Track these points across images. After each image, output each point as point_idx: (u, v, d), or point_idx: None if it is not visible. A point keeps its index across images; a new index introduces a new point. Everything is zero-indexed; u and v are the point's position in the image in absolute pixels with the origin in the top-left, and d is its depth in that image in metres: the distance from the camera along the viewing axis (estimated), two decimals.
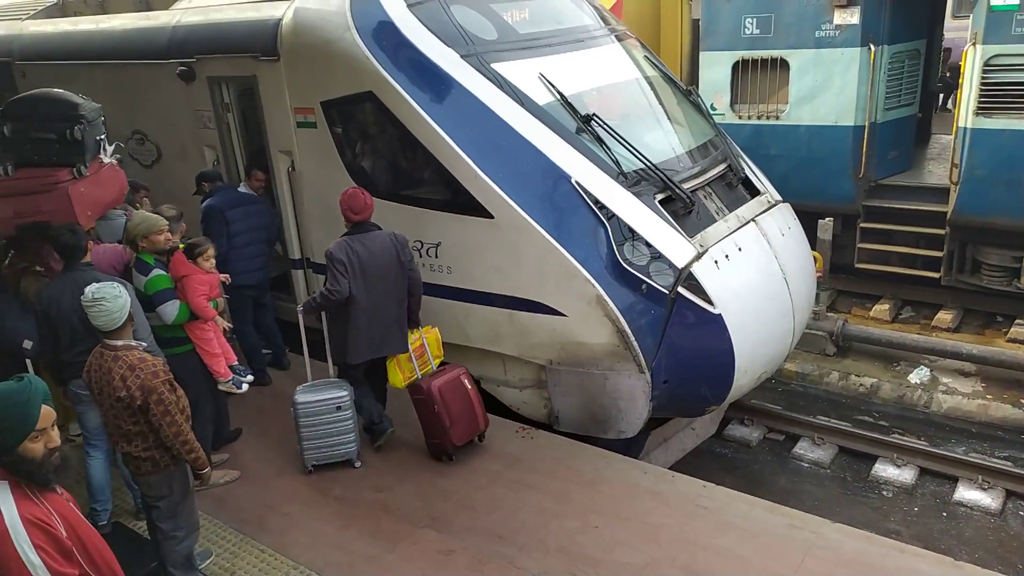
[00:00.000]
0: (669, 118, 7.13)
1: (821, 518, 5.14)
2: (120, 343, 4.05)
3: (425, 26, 6.14)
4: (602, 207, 5.70)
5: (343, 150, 6.54)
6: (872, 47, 8.72)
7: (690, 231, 5.87)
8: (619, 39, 7.36)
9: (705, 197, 6.30)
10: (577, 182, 5.74)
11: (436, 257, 6.17)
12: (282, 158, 7.02)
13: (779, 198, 7.07)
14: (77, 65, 8.36)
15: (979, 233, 8.64)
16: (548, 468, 5.61)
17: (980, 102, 8.03)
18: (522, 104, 5.99)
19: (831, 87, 9.07)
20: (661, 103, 7.22)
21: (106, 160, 5.55)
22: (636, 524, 4.98)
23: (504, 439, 5.99)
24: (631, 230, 5.69)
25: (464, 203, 5.87)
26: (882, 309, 9.53)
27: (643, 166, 6.00)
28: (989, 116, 8.02)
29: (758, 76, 9.54)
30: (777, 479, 7.16)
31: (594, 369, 5.73)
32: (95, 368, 4.07)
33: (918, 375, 8.36)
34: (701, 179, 6.37)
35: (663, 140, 6.70)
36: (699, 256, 5.70)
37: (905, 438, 7.43)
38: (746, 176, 6.88)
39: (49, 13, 9.77)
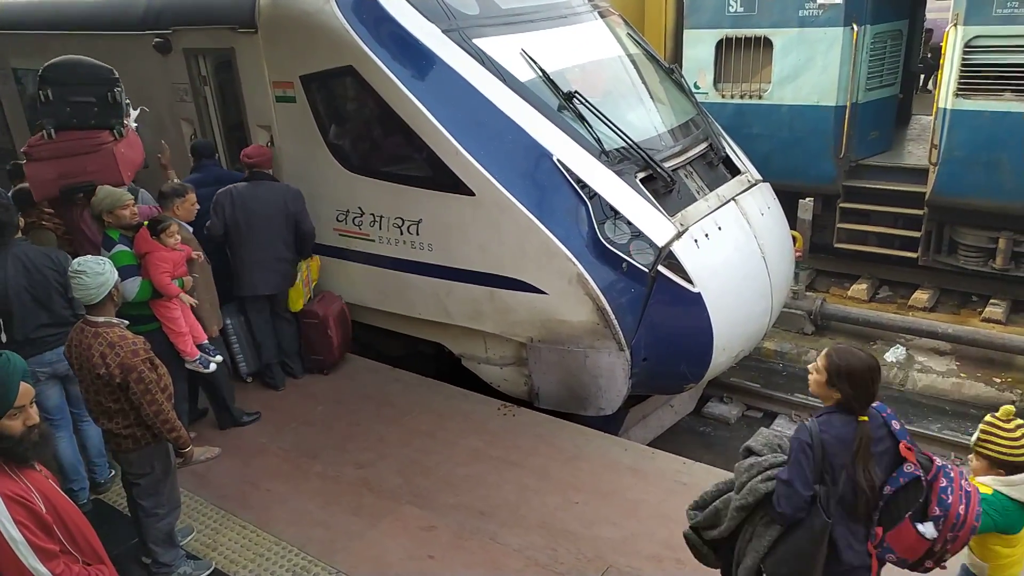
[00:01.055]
0: (651, 96, 7.09)
1: None
2: (101, 319, 4.01)
3: (407, 0, 6.07)
4: (584, 185, 5.69)
5: (323, 125, 6.45)
6: (855, 27, 8.74)
7: (671, 210, 5.88)
8: (602, 16, 7.31)
9: (686, 176, 6.31)
10: (559, 160, 5.72)
11: (417, 234, 6.13)
12: (261, 133, 6.91)
13: (759, 177, 7.08)
14: (51, 35, 8.17)
15: (957, 214, 8.74)
16: (529, 445, 5.65)
17: (960, 83, 8.09)
18: (504, 80, 5.94)
19: (813, 67, 9.09)
20: (643, 81, 7.18)
21: (131, 124, 5.74)
22: (616, 500, 5.03)
23: (486, 416, 6.02)
24: (612, 208, 5.68)
25: (445, 180, 5.83)
26: (860, 289, 9.63)
27: (625, 144, 5.98)
28: (969, 97, 8.08)
29: (742, 55, 9.53)
30: None
31: (574, 347, 5.75)
32: (75, 343, 4.03)
33: (894, 354, 8.48)
34: (682, 158, 6.37)
35: (645, 118, 6.66)
36: (679, 235, 5.72)
37: None
38: (727, 155, 6.89)
39: None
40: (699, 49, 9.78)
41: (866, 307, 9.24)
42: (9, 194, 5.41)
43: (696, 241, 5.77)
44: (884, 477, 2.95)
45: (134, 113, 5.93)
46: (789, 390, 8.12)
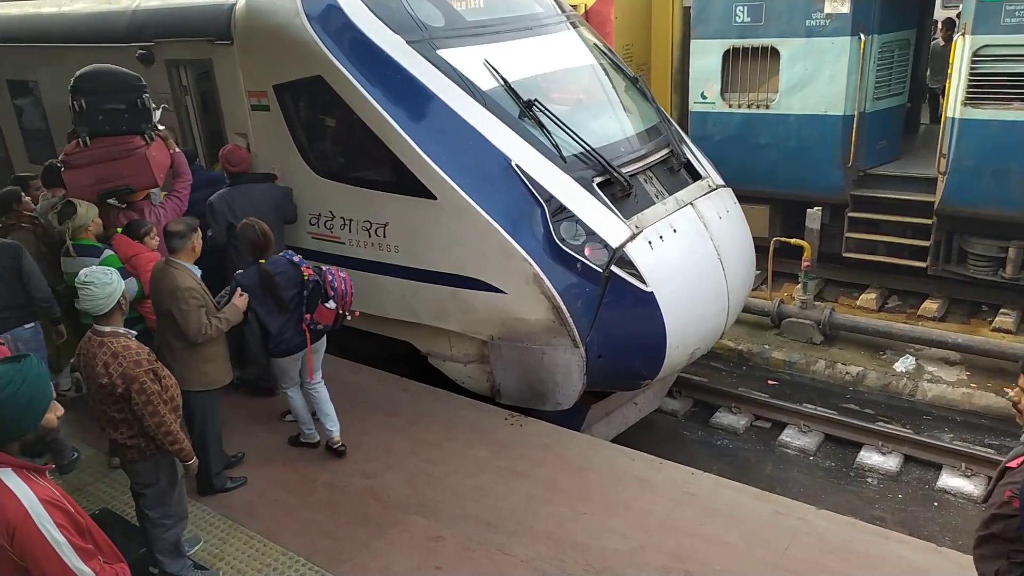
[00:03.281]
0: (613, 104, 7.34)
1: (807, 505, 5.19)
2: (108, 329, 4.03)
3: (373, 12, 6.30)
4: (541, 189, 5.90)
5: (295, 133, 6.69)
6: (862, 36, 8.72)
7: (627, 213, 6.08)
8: (569, 27, 7.55)
9: (645, 181, 6.52)
10: (517, 165, 5.93)
11: (384, 237, 6.34)
12: (238, 140, 7.15)
13: (721, 182, 7.25)
14: (44, 48, 8.51)
15: (966, 223, 8.69)
16: (536, 455, 5.64)
17: (969, 92, 8.06)
18: (466, 90, 6.17)
19: (821, 76, 9.08)
20: (605, 90, 7.42)
21: (158, 125, 6.00)
22: (624, 511, 5.01)
23: (493, 426, 6.01)
24: (568, 211, 5.89)
25: (409, 185, 6.06)
26: (869, 298, 9.59)
27: (583, 150, 6.20)
28: (977, 106, 8.05)
29: (748, 65, 9.53)
30: (764, 466, 7.21)
31: (532, 344, 5.94)
32: (83, 352, 4.06)
33: (904, 364, 8.43)
34: (642, 163, 6.57)
35: (605, 125, 6.89)
36: (633, 237, 5.91)
37: (890, 426, 7.50)
38: (688, 161, 7.07)
39: None
40: (706, 59, 9.79)
41: (875, 317, 9.19)
42: None
43: (650, 243, 5.98)
44: (297, 290, 5.27)
45: (157, 113, 6.11)
46: (797, 400, 8.07)
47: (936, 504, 6.56)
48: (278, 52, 6.48)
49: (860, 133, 9.10)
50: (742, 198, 10.01)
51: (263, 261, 5.26)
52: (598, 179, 6.14)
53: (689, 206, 6.52)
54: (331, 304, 5.35)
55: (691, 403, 8.22)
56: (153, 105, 6.02)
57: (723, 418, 7.85)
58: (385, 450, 5.82)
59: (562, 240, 5.79)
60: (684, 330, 6.01)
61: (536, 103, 6.25)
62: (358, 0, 6.31)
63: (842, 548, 4.61)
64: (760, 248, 10.06)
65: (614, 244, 5.82)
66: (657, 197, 6.45)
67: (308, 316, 5.35)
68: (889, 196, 9.24)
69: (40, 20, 8.74)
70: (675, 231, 6.20)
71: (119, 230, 5.63)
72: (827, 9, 8.83)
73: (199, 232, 5.07)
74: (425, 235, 6.13)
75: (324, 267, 5.40)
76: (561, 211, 5.88)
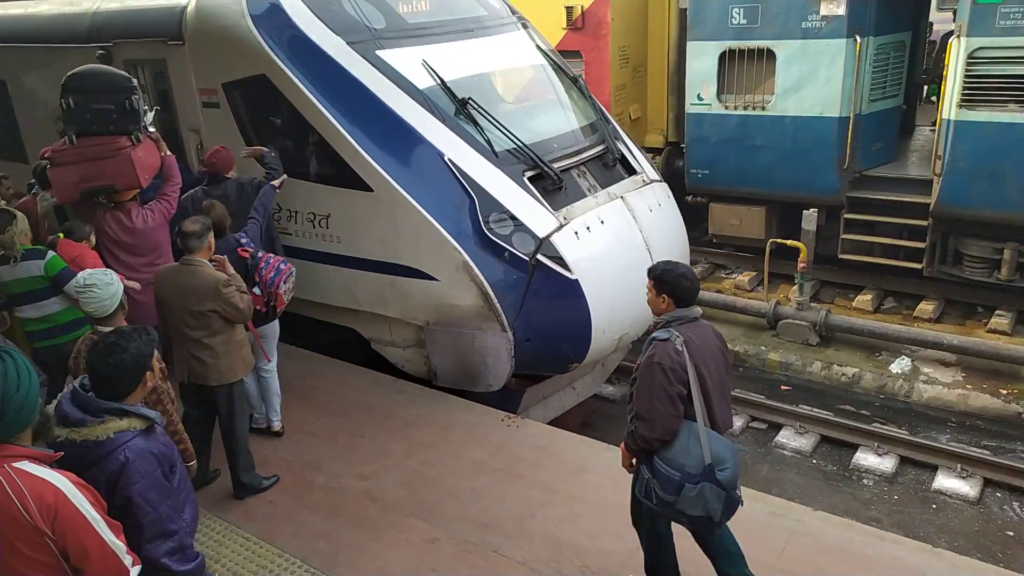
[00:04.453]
0: (550, 103, 7.67)
1: (803, 506, 5.19)
2: (111, 329, 4.03)
3: (315, 14, 6.58)
4: (472, 183, 6.19)
5: (243, 129, 6.95)
6: (858, 38, 8.75)
7: (556, 205, 6.38)
8: (515, 30, 7.86)
9: (579, 175, 6.85)
10: (450, 159, 6.24)
11: (327, 228, 6.64)
12: (192, 136, 7.40)
13: (656, 177, 7.52)
14: (10, 48, 8.77)
15: (961, 225, 8.72)
16: (533, 457, 5.63)
17: (964, 95, 8.08)
18: (403, 88, 6.46)
19: (817, 78, 9.10)
20: (543, 89, 7.77)
21: (149, 127, 6.02)
22: (621, 512, 4.98)
23: (489, 428, 6.01)
24: (498, 203, 6.19)
25: (348, 178, 6.37)
26: (865, 299, 9.61)
27: (515, 146, 6.50)
28: (972, 108, 8.07)
29: (745, 66, 9.55)
30: (760, 467, 7.23)
31: (464, 329, 6.24)
32: (85, 354, 4.04)
33: (899, 365, 8.45)
34: (575, 159, 6.89)
35: (540, 123, 7.22)
36: (560, 227, 6.20)
37: (886, 427, 7.52)
38: (624, 156, 7.38)
39: None
40: (702, 61, 9.80)
41: (871, 318, 9.21)
42: None
43: (576, 233, 6.28)
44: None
45: (150, 115, 6.18)
46: (793, 401, 8.09)
47: (932, 505, 6.58)
48: (226, 52, 6.76)
49: (856, 135, 9.12)
50: (739, 199, 10.17)
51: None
52: (529, 173, 6.45)
53: (619, 199, 6.82)
54: (256, 290, 5.44)
55: None
56: (146, 107, 6.07)
57: None
58: (381, 452, 5.81)
59: (491, 230, 6.08)
60: (610, 316, 6.25)
61: (471, 101, 6.54)
62: (301, 3, 6.61)
63: (838, 549, 4.61)
64: (756, 249, 10.15)
65: (541, 234, 6.10)
66: (589, 191, 6.79)
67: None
68: (885, 198, 9.26)
69: (6, 22, 9.07)
70: (603, 222, 6.51)
71: (60, 235, 5.71)
72: (823, 11, 8.86)
73: (212, 231, 5.15)
74: (364, 226, 6.43)
75: (262, 254, 5.60)
76: (491, 203, 6.16)
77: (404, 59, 6.66)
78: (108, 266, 5.40)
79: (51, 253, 5.42)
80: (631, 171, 7.31)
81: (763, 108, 9.56)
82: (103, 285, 3.98)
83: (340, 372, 7.05)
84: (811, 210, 9.07)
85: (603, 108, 7.89)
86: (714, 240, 10.93)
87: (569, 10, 10.49)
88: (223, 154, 6.44)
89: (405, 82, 6.48)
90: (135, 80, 5.93)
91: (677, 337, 3.61)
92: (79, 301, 4.09)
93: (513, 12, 8.06)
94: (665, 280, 3.76)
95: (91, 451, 2.88)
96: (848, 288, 10.09)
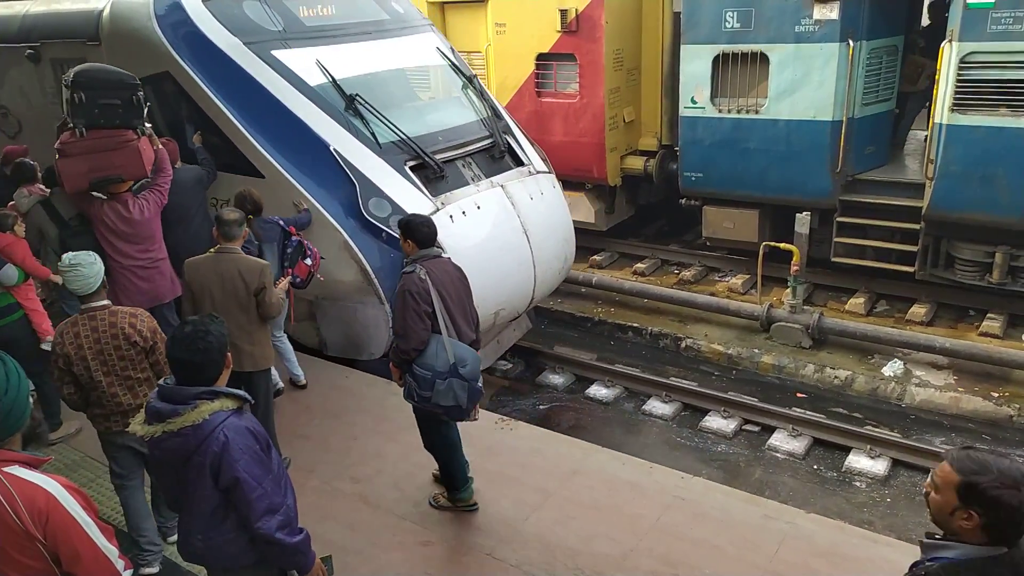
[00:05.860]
0: (440, 99, 8.54)
1: (796, 509, 5.21)
2: (102, 303, 4.16)
3: (216, 17, 7.24)
4: (355, 170, 6.90)
5: (154, 122, 7.21)
6: (851, 42, 8.78)
7: (436, 192, 7.13)
8: (416, 33, 8.61)
9: (464, 166, 7.59)
10: (335, 149, 6.95)
11: None
12: None
13: (543, 169, 8.27)
14: None
15: (953, 228, 8.75)
16: (526, 460, 5.63)
17: (956, 99, 8.11)
18: (294, 85, 7.12)
19: (810, 82, 9.12)
20: (435, 86, 8.61)
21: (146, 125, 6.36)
22: (614, 515, 5.01)
23: (483, 431, 6.00)
24: (378, 189, 6.91)
25: (242, 166, 7.08)
26: (857, 303, 9.64)
27: (399, 138, 7.23)
28: (964, 113, 8.11)
29: (738, 70, 9.57)
30: (753, 470, 7.24)
31: (348, 302, 6.97)
32: (83, 333, 4.05)
33: (892, 368, 8.47)
34: (461, 151, 7.64)
35: (430, 118, 7.95)
36: (436, 211, 6.86)
37: (878, 430, 7.54)
38: (512, 149, 8.12)
39: None
40: (696, 64, 9.82)
41: (863, 321, 9.24)
42: None
43: (451, 217, 7.00)
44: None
45: (145, 109, 6.41)
46: (786, 404, 8.11)
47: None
48: (136, 51, 7.34)
49: (848, 138, 9.15)
50: (732, 202, 10.19)
51: (251, 218, 5.94)
52: (411, 163, 7.16)
53: (500, 188, 7.56)
54: (308, 261, 6.20)
55: (681, 407, 8.24)
56: (146, 103, 6.34)
57: (712, 422, 7.88)
58: (375, 455, 5.80)
59: (370, 214, 6.79)
60: (483, 293, 6.45)
61: (358, 97, 7.25)
62: (202, 6, 7.25)
63: (831, 552, 4.63)
64: (749, 252, 10.17)
65: None
66: (473, 180, 7.50)
67: (289, 270, 6.12)
68: (877, 201, 9.29)
69: None
70: (479, 207, 7.25)
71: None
72: (816, 15, 8.88)
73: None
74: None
75: (302, 236, 6.34)
76: (371, 189, 6.88)
77: (298, 59, 7.31)
78: (105, 255, 5.55)
79: None
80: (520, 163, 8.04)
81: (756, 111, 9.59)
82: (87, 264, 4.11)
83: (334, 374, 7.04)
84: (804, 213, 9.09)
85: (498, 105, 8.74)
86: (707, 243, 10.95)
87: (563, 13, 10.49)
88: (171, 146, 6.85)
89: (297, 79, 7.16)
90: (137, 78, 6.23)
91: (420, 269, 4.54)
92: (64, 280, 4.15)
93: (415, 18, 8.83)
94: (407, 228, 4.73)
95: (190, 438, 2.90)
96: (841, 291, 10.12)
